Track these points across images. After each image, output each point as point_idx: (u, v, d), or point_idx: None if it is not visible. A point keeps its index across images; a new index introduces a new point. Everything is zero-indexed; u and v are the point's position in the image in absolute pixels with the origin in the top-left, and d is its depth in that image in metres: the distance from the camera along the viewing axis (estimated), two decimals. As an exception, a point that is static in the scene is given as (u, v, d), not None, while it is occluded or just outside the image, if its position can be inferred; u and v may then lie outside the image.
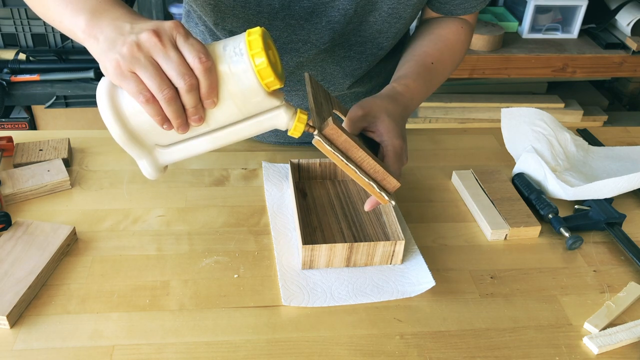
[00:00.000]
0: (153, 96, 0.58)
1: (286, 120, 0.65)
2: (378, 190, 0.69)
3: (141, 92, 0.58)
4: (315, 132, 0.65)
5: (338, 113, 0.76)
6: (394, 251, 0.77)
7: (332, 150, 0.65)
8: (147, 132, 0.63)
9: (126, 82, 0.58)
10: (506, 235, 0.84)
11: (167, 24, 0.59)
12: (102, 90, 0.61)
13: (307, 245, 0.75)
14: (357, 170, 0.68)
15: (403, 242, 0.76)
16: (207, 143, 0.65)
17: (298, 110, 0.66)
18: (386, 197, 0.70)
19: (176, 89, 0.58)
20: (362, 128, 0.73)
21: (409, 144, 0.89)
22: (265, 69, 0.59)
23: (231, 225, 0.84)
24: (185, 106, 0.59)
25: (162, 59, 0.57)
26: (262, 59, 0.58)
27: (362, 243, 0.75)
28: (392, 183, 0.70)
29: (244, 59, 0.59)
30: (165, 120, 0.60)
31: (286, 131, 0.98)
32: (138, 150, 0.64)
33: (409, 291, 0.74)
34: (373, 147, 0.74)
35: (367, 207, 0.75)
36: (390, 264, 0.78)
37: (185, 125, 0.61)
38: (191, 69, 0.58)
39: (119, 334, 0.67)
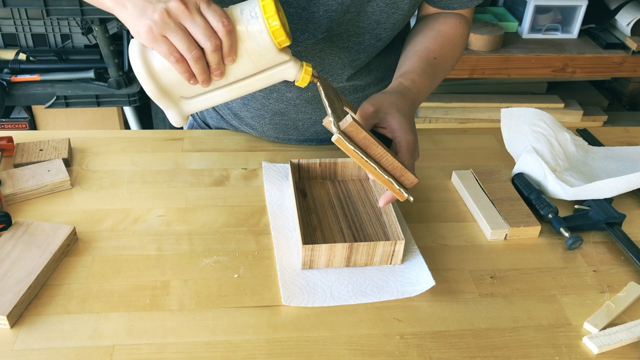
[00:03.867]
0: (182, 56, 0.66)
1: (294, 72, 0.72)
2: (397, 187, 0.71)
3: (172, 53, 0.65)
4: (335, 130, 0.67)
5: (348, 110, 0.77)
6: (393, 251, 0.77)
7: (353, 148, 0.67)
8: (174, 86, 0.71)
9: (158, 45, 0.65)
10: (506, 235, 0.84)
11: None
12: (134, 52, 0.69)
13: (307, 245, 0.75)
14: (376, 167, 0.69)
15: (403, 242, 0.76)
16: (225, 94, 0.73)
17: (304, 63, 0.72)
18: (405, 194, 0.71)
19: (202, 49, 0.66)
20: (373, 124, 0.74)
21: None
22: (278, 30, 0.67)
23: (231, 225, 0.84)
24: (209, 63, 0.67)
25: (190, 23, 0.65)
26: (275, 22, 0.66)
27: (362, 243, 0.75)
28: (410, 179, 0.72)
29: (260, 21, 0.67)
30: (192, 77, 0.68)
31: (286, 125, 1.00)
32: (167, 102, 0.72)
33: (409, 291, 0.74)
34: (384, 143, 0.74)
35: (381, 202, 0.76)
36: (390, 264, 0.78)
37: (208, 80, 0.68)
38: (215, 32, 0.65)
39: (119, 334, 0.67)
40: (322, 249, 0.75)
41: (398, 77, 0.84)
